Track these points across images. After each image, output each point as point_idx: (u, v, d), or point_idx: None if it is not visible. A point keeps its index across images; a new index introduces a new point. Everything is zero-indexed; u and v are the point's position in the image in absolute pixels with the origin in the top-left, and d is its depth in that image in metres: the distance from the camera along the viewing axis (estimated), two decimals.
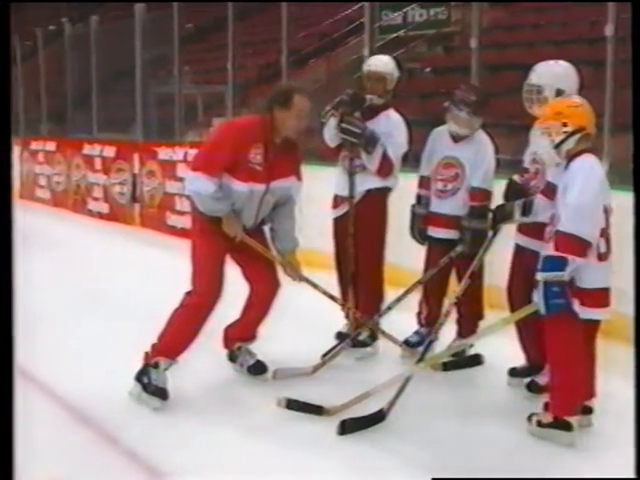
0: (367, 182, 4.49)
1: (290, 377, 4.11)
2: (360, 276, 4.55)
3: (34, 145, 12.47)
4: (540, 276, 3.23)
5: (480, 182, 4.24)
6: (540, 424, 3.39)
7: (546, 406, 3.47)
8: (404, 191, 4.53)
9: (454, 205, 4.31)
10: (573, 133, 3.27)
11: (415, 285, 4.39)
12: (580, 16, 9.56)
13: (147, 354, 3.79)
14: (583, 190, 3.16)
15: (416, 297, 4.56)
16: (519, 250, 3.91)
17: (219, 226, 3.79)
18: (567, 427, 3.31)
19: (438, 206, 4.39)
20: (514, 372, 4.06)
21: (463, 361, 4.25)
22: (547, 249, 3.26)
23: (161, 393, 3.69)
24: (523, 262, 3.80)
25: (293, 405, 3.61)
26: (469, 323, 4.42)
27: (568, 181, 3.23)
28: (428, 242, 4.49)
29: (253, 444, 3.35)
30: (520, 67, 9.01)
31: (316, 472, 3.11)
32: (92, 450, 3.29)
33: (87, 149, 10.75)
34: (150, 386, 3.70)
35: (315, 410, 3.59)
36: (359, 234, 4.48)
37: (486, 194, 4.25)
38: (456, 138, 4.32)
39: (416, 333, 4.61)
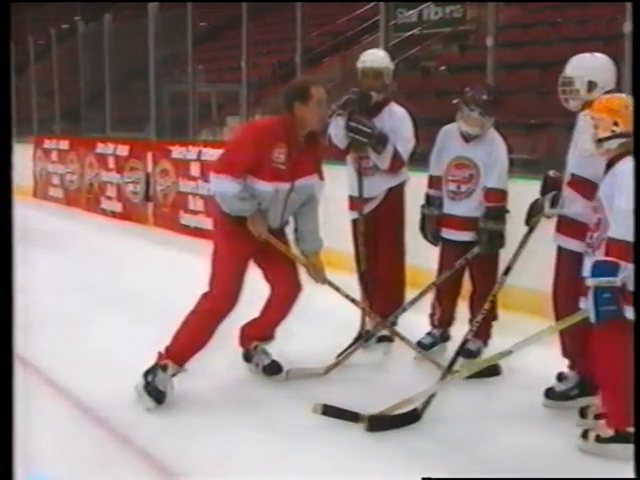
0: (386, 181, 4.47)
1: (303, 377, 4.07)
2: (382, 275, 4.53)
3: (47, 144, 12.50)
4: (591, 282, 3.03)
5: (495, 183, 4.17)
6: (599, 439, 3.20)
7: (597, 417, 3.29)
8: (420, 191, 4.48)
9: (469, 206, 4.24)
10: (621, 135, 3.10)
11: (430, 287, 4.36)
12: (597, 13, 9.48)
13: (160, 354, 3.77)
14: (634, 195, 2.94)
15: (429, 298, 4.50)
16: (560, 252, 3.69)
17: (244, 228, 3.75)
18: (628, 439, 3.10)
19: (452, 207, 4.32)
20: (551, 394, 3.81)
21: (481, 371, 4.18)
22: (596, 256, 3.08)
23: (158, 395, 3.67)
24: (566, 264, 3.57)
25: (329, 411, 3.47)
26: (483, 324, 4.35)
27: (615, 185, 3.05)
28: (442, 243, 4.43)
29: (267, 444, 3.32)
30: (536, 65, 8.94)
31: (331, 472, 3.06)
32: (105, 449, 3.28)
33: (100, 148, 10.75)
34: (150, 386, 3.69)
35: (351, 417, 3.47)
36: (383, 233, 4.48)
37: (502, 194, 4.20)
38: (467, 138, 4.25)
39: (428, 334, 4.57)
